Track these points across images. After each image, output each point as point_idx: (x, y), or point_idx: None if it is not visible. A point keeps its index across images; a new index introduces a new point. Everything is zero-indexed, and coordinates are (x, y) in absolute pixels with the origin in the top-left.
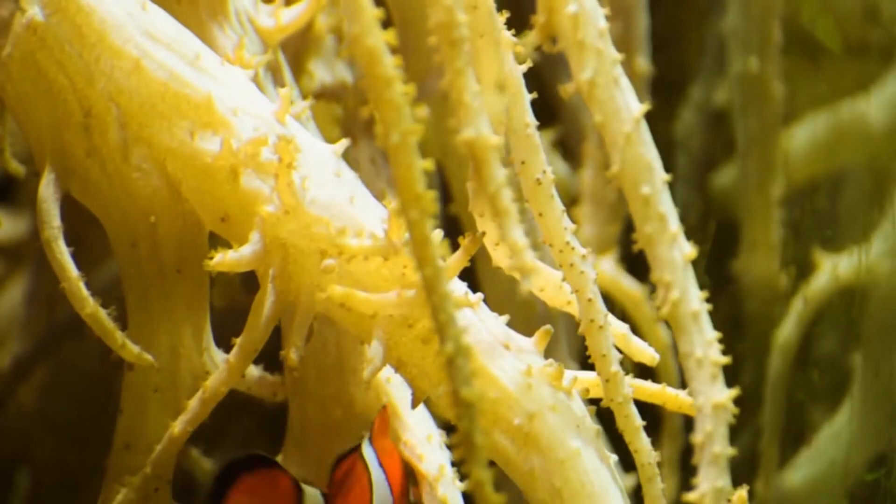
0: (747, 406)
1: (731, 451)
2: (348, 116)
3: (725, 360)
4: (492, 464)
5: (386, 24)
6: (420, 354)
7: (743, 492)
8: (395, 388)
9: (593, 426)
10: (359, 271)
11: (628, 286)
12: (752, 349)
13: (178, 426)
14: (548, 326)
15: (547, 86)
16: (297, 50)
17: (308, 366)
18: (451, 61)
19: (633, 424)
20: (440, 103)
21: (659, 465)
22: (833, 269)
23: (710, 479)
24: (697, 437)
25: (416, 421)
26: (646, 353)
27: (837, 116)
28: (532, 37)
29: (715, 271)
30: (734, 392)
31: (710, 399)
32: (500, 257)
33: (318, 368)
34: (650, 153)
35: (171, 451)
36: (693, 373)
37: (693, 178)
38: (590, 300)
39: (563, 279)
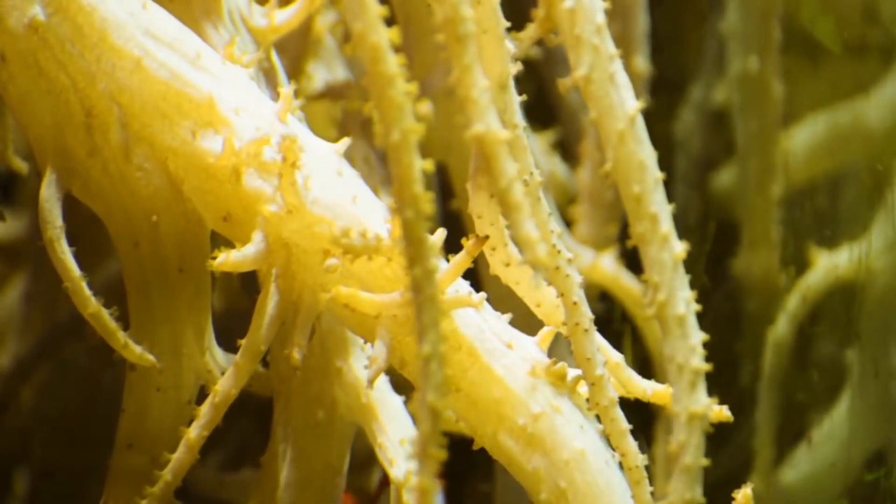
0: (745, 405)
1: (704, 462)
2: (346, 117)
3: (706, 367)
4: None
5: (389, 21)
6: None
7: (748, 490)
8: (373, 390)
9: (597, 426)
10: (362, 271)
11: (629, 283)
12: (751, 348)
13: (193, 432)
14: (551, 326)
15: (547, 86)
16: (296, 52)
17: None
18: (458, 57)
19: (619, 428)
20: (444, 100)
21: (650, 465)
22: (832, 266)
23: (679, 490)
24: (672, 447)
25: (392, 424)
26: (637, 386)
27: (837, 116)
28: (531, 30)
29: (714, 271)
30: (713, 401)
31: (686, 408)
32: (496, 264)
33: (302, 369)
34: (644, 151)
35: (189, 458)
36: (673, 378)
37: (693, 178)
38: (575, 303)
39: (549, 283)
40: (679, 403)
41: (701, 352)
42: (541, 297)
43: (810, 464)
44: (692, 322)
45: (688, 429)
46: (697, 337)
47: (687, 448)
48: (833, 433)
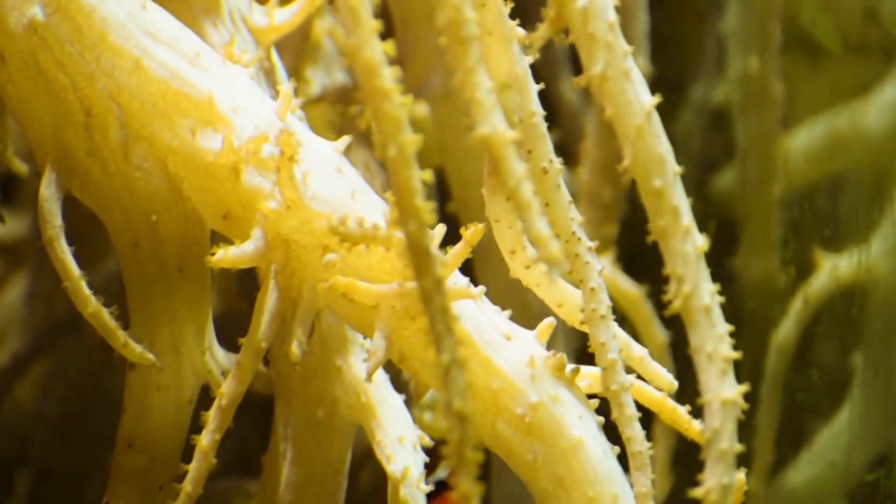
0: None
1: (738, 447)
2: (345, 121)
3: (736, 355)
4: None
5: (386, 31)
6: (422, 347)
7: (741, 475)
8: (373, 388)
9: (596, 417)
10: (360, 265)
11: (625, 286)
12: (751, 349)
13: (204, 439)
14: (550, 319)
15: (546, 88)
16: (294, 56)
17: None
18: (461, 59)
19: (627, 413)
20: (441, 102)
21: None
22: (833, 269)
23: (717, 475)
24: (706, 433)
25: (391, 422)
26: (664, 379)
27: (837, 117)
28: (542, 30)
29: (714, 271)
30: (744, 388)
31: (718, 395)
32: (517, 267)
33: (302, 367)
34: (662, 145)
35: (206, 466)
36: (703, 368)
37: (693, 178)
38: (593, 289)
39: (570, 271)
40: (711, 391)
41: (729, 340)
42: (563, 298)
43: (812, 465)
44: (717, 312)
45: (722, 415)
46: (724, 326)
47: (722, 434)
48: (835, 435)
